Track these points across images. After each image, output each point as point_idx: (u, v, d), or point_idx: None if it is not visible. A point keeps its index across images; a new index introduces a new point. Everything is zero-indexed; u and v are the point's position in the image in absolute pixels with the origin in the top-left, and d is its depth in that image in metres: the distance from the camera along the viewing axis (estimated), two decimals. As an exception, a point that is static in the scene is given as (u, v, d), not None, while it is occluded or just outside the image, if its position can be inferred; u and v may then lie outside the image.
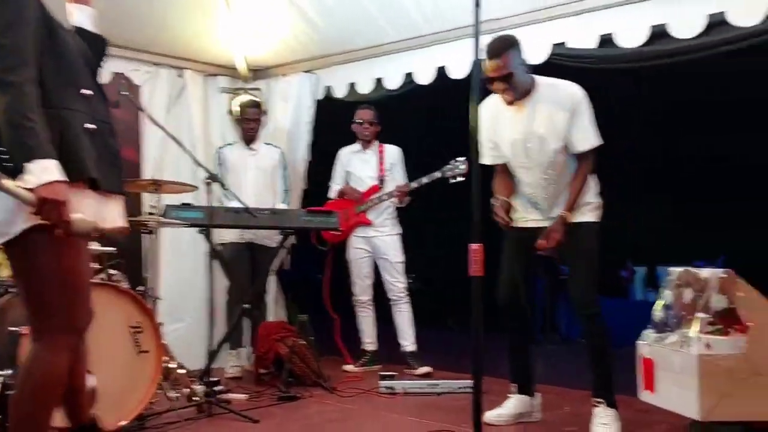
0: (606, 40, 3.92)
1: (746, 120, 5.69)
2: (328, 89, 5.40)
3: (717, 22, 3.46)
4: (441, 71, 4.71)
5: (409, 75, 4.90)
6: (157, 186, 3.88)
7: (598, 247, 3.42)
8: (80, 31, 2.53)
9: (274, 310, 5.53)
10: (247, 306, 4.48)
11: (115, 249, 3.67)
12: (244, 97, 5.40)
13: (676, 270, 2.08)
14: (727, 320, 1.81)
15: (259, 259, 5.02)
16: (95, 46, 2.53)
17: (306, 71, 5.45)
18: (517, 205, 3.61)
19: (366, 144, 5.18)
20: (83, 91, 2.33)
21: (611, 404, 3.36)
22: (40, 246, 2.20)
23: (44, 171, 2.04)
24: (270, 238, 4.98)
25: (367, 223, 5.09)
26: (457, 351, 4.54)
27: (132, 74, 5.04)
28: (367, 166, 5.16)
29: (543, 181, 3.48)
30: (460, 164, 4.65)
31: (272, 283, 5.52)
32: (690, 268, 2.03)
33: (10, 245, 2.22)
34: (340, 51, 5.20)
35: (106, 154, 2.37)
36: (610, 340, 3.40)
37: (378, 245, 5.10)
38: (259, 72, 5.68)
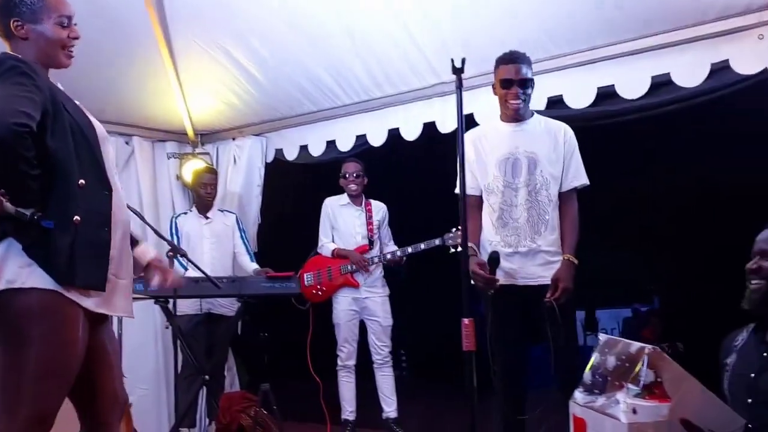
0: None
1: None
2: (278, 152, 5.41)
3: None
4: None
5: (361, 137, 4.96)
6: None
7: None
8: None
9: (229, 379, 5.38)
10: (206, 378, 4.41)
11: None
12: (198, 163, 5.33)
13: (605, 336, 2.33)
14: (652, 392, 2.08)
15: (217, 330, 4.89)
16: None
17: (256, 134, 5.44)
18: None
19: (354, 198, 4.97)
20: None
21: None
22: None
23: None
24: (228, 306, 4.87)
25: (355, 285, 4.84)
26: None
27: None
28: (356, 222, 4.91)
29: (526, 202, 3.34)
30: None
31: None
32: (615, 338, 2.32)
33: None
34: (291, 114, 5.21)
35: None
36: None
37: (368, 306, 4.86)
38: (205, 136, 5.64)
